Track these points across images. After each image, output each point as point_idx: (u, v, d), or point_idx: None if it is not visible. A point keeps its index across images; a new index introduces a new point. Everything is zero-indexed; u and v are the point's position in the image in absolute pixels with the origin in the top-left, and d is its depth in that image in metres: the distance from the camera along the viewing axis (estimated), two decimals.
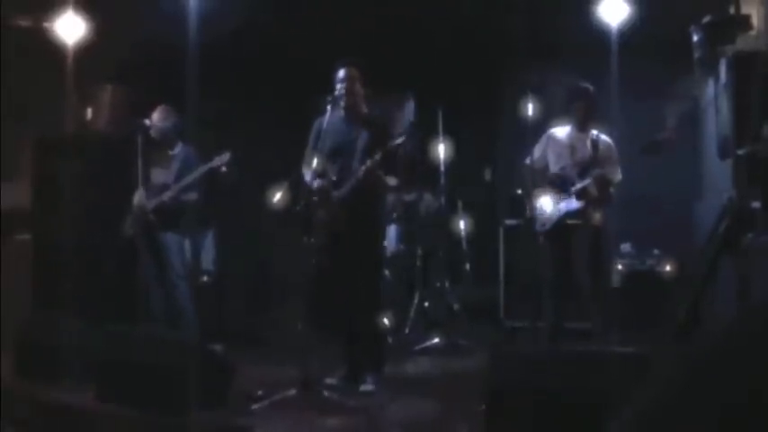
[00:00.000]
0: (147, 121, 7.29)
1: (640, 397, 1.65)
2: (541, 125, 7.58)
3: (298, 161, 6.21)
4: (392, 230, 8.49)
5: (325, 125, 5.95)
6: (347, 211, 5.90)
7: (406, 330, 8.23)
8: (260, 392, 5.48)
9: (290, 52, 8.71)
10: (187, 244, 7.73)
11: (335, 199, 5.94)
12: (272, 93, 8.91)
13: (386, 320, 6.44)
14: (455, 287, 8.56)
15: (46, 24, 7.97)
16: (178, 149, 7.41)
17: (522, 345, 7.86)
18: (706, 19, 6.83)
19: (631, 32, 7.46)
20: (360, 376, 6.01)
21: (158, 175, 7.35)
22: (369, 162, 5.81)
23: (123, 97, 8.95)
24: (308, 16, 8.35)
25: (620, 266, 7.95)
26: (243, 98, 9.07)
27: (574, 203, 6.66)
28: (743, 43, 6.71)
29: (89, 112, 9.08)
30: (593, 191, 6.60)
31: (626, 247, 8.21)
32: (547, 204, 6.77)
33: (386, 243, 7.81)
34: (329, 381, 5.98)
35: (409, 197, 8.66)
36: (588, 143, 6.72)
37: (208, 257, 8.99)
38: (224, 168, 7.08)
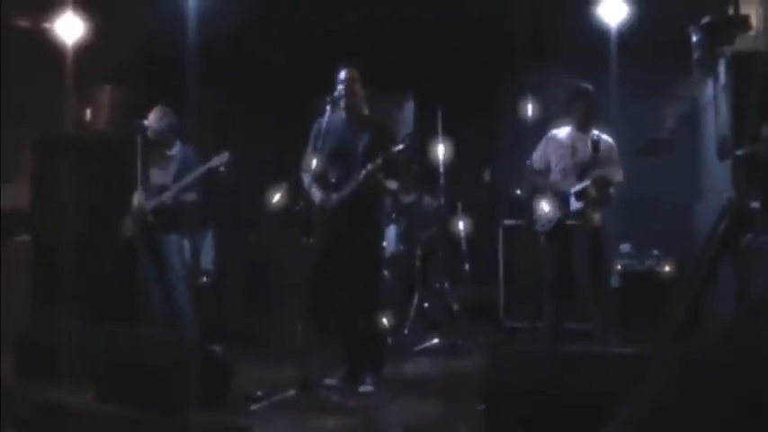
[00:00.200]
0: (146, 122, 7.29)
1: (638, 397, 1.66)
2: (541, 126, 7.59)
3: (297, 161, 6.20)
4: (391, 231, 8.49)
5: (325, 126, 5.95)
6: (347, 213, 5.91)
7: (406, 331, 8.23)
8: (259, 393, 5.48)
9: (290, 53, 8.71)
10: (186, 244, 7.73)
11: (336, 202, 5.94)
12: (271, 93, 8.91)
13: (385, 321, 6.43)
14: (454, 288, 8.56)
15: (45, 25, 7.97)
16: (176, 150, 7.41)
17: (522, 345, 7.86)
18: (705, 19, 6.83)
19: (630, 33, 7.47)
20: (359, 377, 6.01)
21: (157, 176, 7.35)
22: (370, 166, 5.80)
23: (122, 98, 8.95)
24: (307, 17, 8.34)
25: (619, 267, 7.95)
26: (242, 98, 9.08)
27: (574, 204, 6.66)
28: (742, 44, 6.71)
29: (88, 113, 9.09)
30: (593, 192, 6.59)
31: (625, 247, 8.21)
32: (547, 205, 6.78)
33: (385, 244, 7.80)
34: (328, 381, 5.99)
35: (408, 198, 8.66)
36: (589, 144, 6.72)
37: (207, 258, 9.00)
38: (223, 168, 7.07)
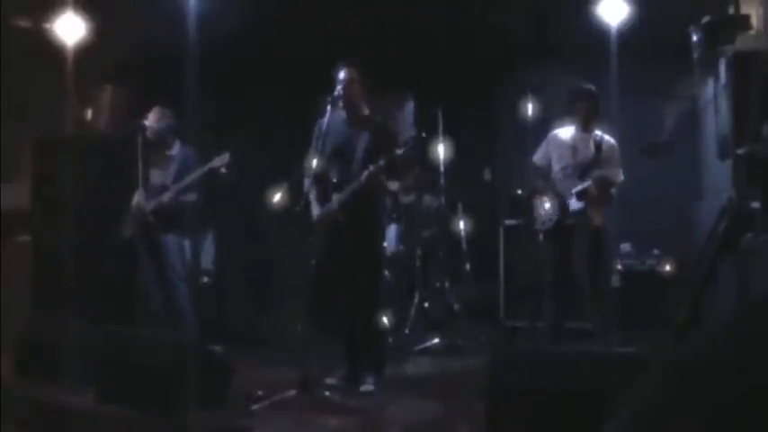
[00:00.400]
0: (146, 122, 7.29)
1: (637, 397, 1.65)
2: (541, 125, 7.59)
3: (297, 162, 6.21)
4: (392, 231, 8.49)
5: (325, 126, 5.95)
6: (347, 213, 5.91)
7: (406, 330, 8.23)
8: (260, 393, 5.48)
9: (290, 53, 8.71)
10: (187, 245, 7.72)
11: (336, 202, 5.94)
12: (271, 93, 8.91)
13: (386, 321, 6.44)
14: (455, 287, 8.56)
15: (46, 25, 7.97)
16: (176, 150, 7.41)
17: (523, 345, 7.86)
18: (705, 19, 6.82)
19: (631, 33, 7.47)
20: (360, 377, 6.01)
21: (157, 176, 7.35)
22: (372, 167, 5.80)
23: (123, 98, 8.96)
24: (307, 17, 8.34)
25: (619, 266, 7.95)
26: (242, 99, 9.07)
27: (574, 204, 6.66)
28: (742, 43, 6.71)
29: (89, 113, 9.09)
30: (594, 192, 6.60)
31: (626, 247, 8.22)
32: (548, 204, 6.78)
33: (386, 243, 7.81)
34: (329, 381, 5.99)
35: (409, 198, 8.66)
36: (591, 144, 6.72)
37: (207, 258, 9.00)
38: (223, 169, 7.08)
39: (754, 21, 6.73)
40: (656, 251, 8.07)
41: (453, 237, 8.83)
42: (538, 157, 6.97)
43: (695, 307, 6.12)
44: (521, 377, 4.38)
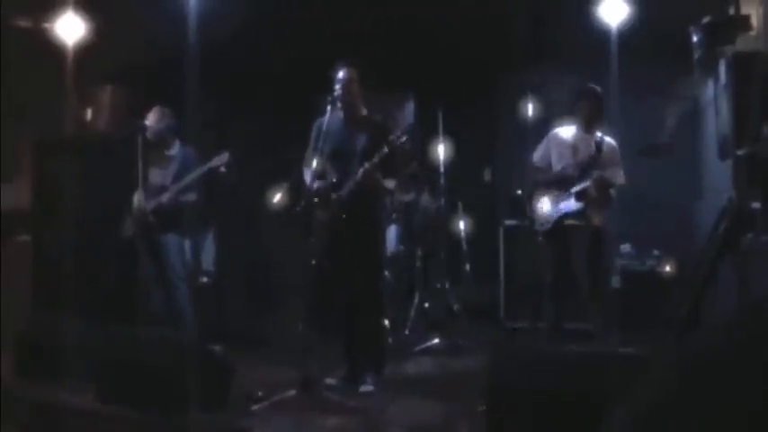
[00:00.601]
0: (146, 122, 7.29)
1: (637, 397, 1.65)
2: (542, 125, 7.59)
3: (297, 162, 6.21)
4: (392, 231, 8.48)
5: (324, 126, 5.95)
6: (347, 213, 5.91)
7: (406, 331, 8.23)
8: (260, 393, 5.48)
9: (290, 53, 8.71)
10: (187, 245, 7.72)
11: (335, 201, 5.94)
12: (271, 93, 8.91)
13: (386, 321, 6.44)
14: (455, 288, 8.55)
15: (46, 25, 7.97)
16: (176, 150, 7.41)
17: (523, 345, 7.86)
18: (705, 19, 6.82)
19: (631, 33, 7.46)
20: (360, 377, 6.01)
21: (156, 176, 7.35)
22: (366, 165, 5.81)
23: (123, 98, 8.96)
24: (307, 17, 8.34)
25: (619, 267, 7.95)
26: (242, 99, 9.07)
27: (573, 204, 6.65)
28: (743, 44, 6.71)
29: (89, 113, 9.09)
30: (593, 192, 6.59)
31: (626, 247, 8.22)
32: (547, 203, 6.78)
33: (386, 244, 7.81)
34: (329, 381, 5.99)
35: (408, 197, 8.65)
36: (592, 144, 6.71)
37: (208, 258, 8.99)
38: (223, 169, 7.08)
39: (755, 21, 6.73)
40: (656, 252, 8.07)
41: (453, 237, 8.83)
42: (537, 157, 6.96)
43: (696, 307, 6.12)
44: (521, 377, 4.38)
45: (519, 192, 8.29)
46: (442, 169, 8.19)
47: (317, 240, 5.84)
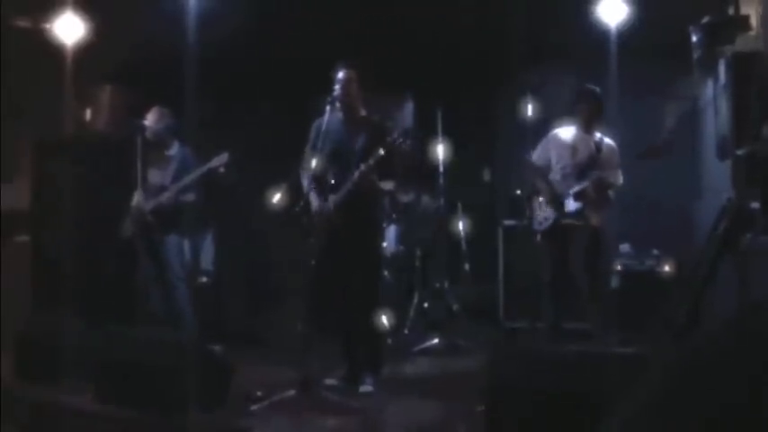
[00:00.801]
0: (145, 122, 7.28)
1: (636, 396, 1.65)
2: (541, 125, 7.59)
3: (297, 162, 6.21)
4: (391, 231, 8.48)
5: (323, 126, 5.96)
6: (344, 214, 5.91)
7: (406, 331, 8.23)
8: (259, 393, 5.48)
9: (289, 53, 8.70)
10: (186, 245, 7.72)
11: (332, 203, 5.95)
12: (270, 93, 8.91)
13: (385, 321, 6.43)
14: (454, 288, 8.55)
15: (45, 25, 7.97)
16: (175, 150, 7.40)
17: (522, 345, 7.86)
18: (705, 19, 6.83)
19: (630, 33, 7.46)
20: (359, 377, 6.01)
21: (155, 176, 7.34)
22: (363, 166, 5.82)
23: (122, 98, 8.95)
24: (306, 17, 8.34)
25: (619, 267, 7.94)
26: (242, 99, 9.07)
27: (572, 204, 6.66)
28: (742, 44, 6.71)
29: (88, 113, 9.08)
30: (592, 193, 6.60)
31: (625, 247, 8.21)
32: (546, 204, 6.78)
33: (385, 244, 7.81)
34: (328, 381, 5.99)
35: (407, 198, 8.65)
36: (591, 145, 6.72)
37: (207, 258, 8.99)
38: (222, 169, 7.07)
39: (754, 21, 6.73)
40: (655, 251, 8.07)
41: (452, 237, 8.82)
42: (536, 156, 6.96)
43: (695, 307, 6.12)
44: (520, 378, 4.38)
45: (518, 192, 8.29)
46: (441, 169, 8.18)
47: (315, 241, 5.84)
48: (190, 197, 7.28)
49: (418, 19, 8.34)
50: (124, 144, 7.45)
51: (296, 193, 6.03)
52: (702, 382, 1.54)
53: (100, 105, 9.11)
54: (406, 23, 8.40)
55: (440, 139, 8.16)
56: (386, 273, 7.84)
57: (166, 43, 7.39)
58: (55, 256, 8.11)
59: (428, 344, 7.75)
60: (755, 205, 6.03)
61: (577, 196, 6.63)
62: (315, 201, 6.01)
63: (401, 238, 8.67)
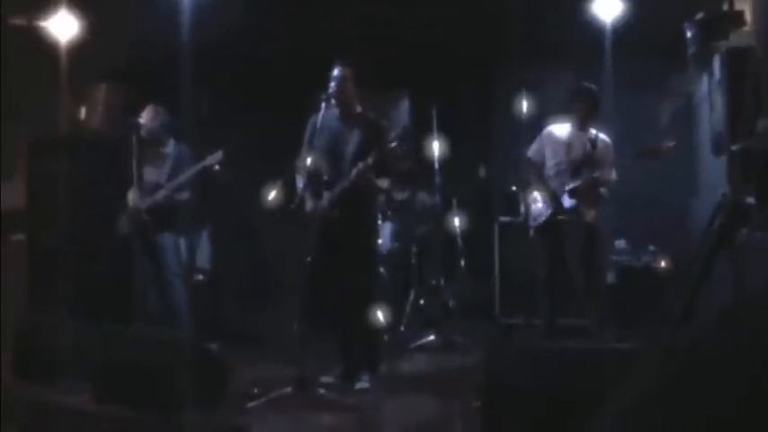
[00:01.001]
0: (140, 120, 7.28)
1: (631, 390, 1.66)
2: (536, 122, 7.59)
3: (292, 160, 6.21)
4: (387, 228, 8.48)
5: (319, 124, 5.96)
6: (339, 211, 5.91)
7: (402, 328, 8.23)
8: (256, 391, 5.49)
9: (285, 51, 8.71)
10: (182, 243, 7.72)
11: (327, 200, 5.95)
12: (266, 91, 8.90)
13: (381, 318, 6.44)
14: (450, 284, 8.55)
15: (39, 23, 7.95)
16: (170, 148, 7.39)
17: (518, 341, 7.87)
18: (699, 15, 6.83)
19: (625, 30, 7.47)
20: (355, 374, 6.02)
21: (151, 174, 7.34)
22: (360, 165, 5.82)
23: (117, 96, 8.94)
24: (302, 15, 8.33)
25: (615, 263, 7.95)
26: (237, 96, 9.06)
27: (567, 201, 6.66)
28: (736, 39, 6.72)
29: (83, 111, 9.07)
30: (585, 190, 6.60)
31: (621, 243, 8.21)
32: (540, 200, 6.79)
33: (381, 241, 7.81)
34: (325, 379, 6.00)
35: (403, 195, 8.64)
36: (586, 142, 6.72)
37: (203, 256, 8.98)
38: (217, 167, 7.07)
39: (748, 17, 6.74)
40: (651, 248, 8.07)
41: (448, 234, 8.82)
42: (532, 152, 6.97)
43: (691, 303, 6.13)
44: (516, 374, 4.38)
45: (514, 189, 8.29)
46: (436, 166, 8.18)
47: (311, 238, 5.84)
48: (185, 195, 7.27)
49: (414, 17, 8.35)
50: (119, 142, 7.44)
51: (291, 191, 6.03)
52: (698, 375, 1.55)
53: (95, 103, 9.10)
54: (402, 21, 8.41)
55: (435, 136, 8.16)
56: (382, 270, 7.84)
57: (161, 41, 7.38)
58: (51, 254, 8.10)
59: (424, 341, 7.76)
60: (751, 201, 6.04)
61: (572, 193, 6.63)
62: (310, 198, 6.01)
63: (397, 235, 8.67)
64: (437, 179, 8.20)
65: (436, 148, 8.16)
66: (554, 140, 6.86)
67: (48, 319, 6.57)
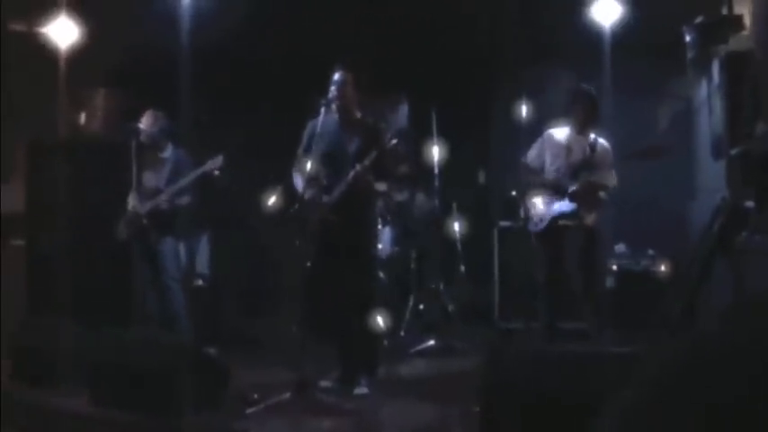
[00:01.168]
0: (140, 125, 7.28)
1: (631, 394, 1.65)
2: (536, 126, 7.58)
3: (292, 165, 6.21)
4: (386, 232, 8.48)
5: (318, 128, 5.96)
6: (338, 215, 5.91)
7: (401, 332, 8.21)
8: (255, 395, 5.48)
9: (284, 55, 8.71)
10: (181, 247, 7.71)
11: (326, 204, 5.95)
12: (265, 94, 8.90)
13: (380, 322, 6.43)
14: (450, 289, 8.55)
15: (39, 28, 7.96)
16: (169, 153, 7.39)
17: (517, 346, 7.86)
18: (699, 19, 6.84)
19: (624, 33, 7.47)
20: (354, 379, 6.00)
21: (150, 179, 7.33)
22: (358, 167, 5.82)
23: (117, 101, 8.95)
24: (301, 17, 8.34)
25: (614, 267, 7.95)
26: (236, 101, 9.06)
27: (566, 205, 6.65)
28: (735, 43, 6.73)
29: (83, 116, 9.08)
30: (584, 195, 6.59)
31: (620, 247, 8.22)
32: (540, 204, 6.78)
33: (380, 245, 7.81)
34: (324, 383, 5.98)
35: (401, 196, 8.63)
36: (585, 146, 6.71)
37: (202, 261, 8.98)
38: (217, 172, 7.06)
39: (747, 21, 6.74)
40: (650, 251, 8.07)
41: (448, 238, 8.82)
42: (531, 156, 6.95)
43: (690, 306, 6.13)
44: (515, 378, 4.38)
45: (513, 193, 8.29)
46: (436, 170, 8.18)
47: (310, 242, 5.83)
48: (185, 200, 7.27)
49: (413, 20, 8.36)
50: (119, 147, 7.45)
51: (290, 195, 6.02)
52: (699, 376, 1.54)
53: (94, 108, 9.10)
54: (402, 24, 8.41)
55: (435, 140, 8.16)
56: (381, 274, 7.83)
57: (160, 46, 7.40)
58: (50, 258, 8.09)
59: (424, 345, 7.75)
60: (750, 204, 6.04)
61: (572, 197, 6.63)
62: (309, 202, 6.01)
63: (396, 240, 8.66)
64: (436, 183, 8.20)
65: (436, 151, 8.16)
66: (553, 144, 6.85)
67: (47, 322, 6.57)
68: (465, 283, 8.79)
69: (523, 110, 8.62)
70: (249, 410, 5.33)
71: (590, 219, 6.65)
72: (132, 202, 7.26)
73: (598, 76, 7.27)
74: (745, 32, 6.74)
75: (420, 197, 8.78)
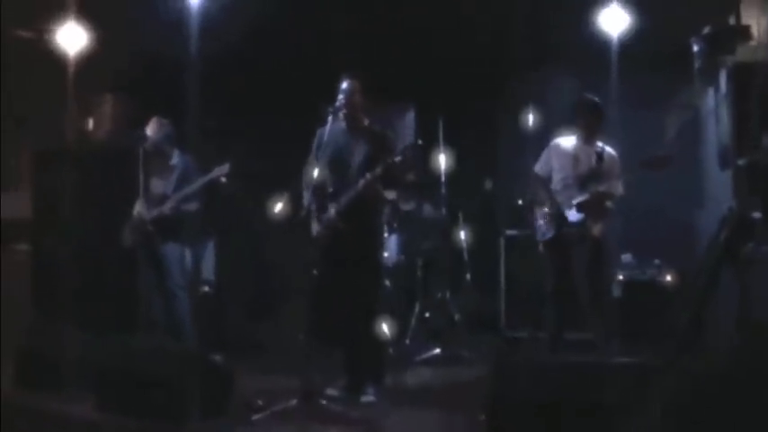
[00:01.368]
0: (147, 132, 7.29)
1: (648, 411, 1.66)
2: (542, 134, 7.58)
3: (298, 171, 6.21)
4: (393, 241, 8.47)
5: (326, 136, 5.96)
6: (345, 223, 5.91)
7: (407, 341, 8.20)
8: (260, 402, 5.47)
9: (291, 62, 8.72)
10: (187, 254, 7.72)
11: (335, 211, 5.95)
12: (272, 103, 8.91)
13: (386, 331, 6.42)
14: (456, 297, 8.53)
15: (47, 35, 7.98)
16: (176, 159, 7.40)
17: (524, 355, 7.84)
18: (706, 29, 6.84)
19: (632, 43, 7.46)
20: (360, 387, 6.00)
21: (157, 186, 7.34)
22: (368, 176, 5.82)
23: (124, 107, 8.97)
24: (309, 26, 8.35)
25: (621, 277, 7.93)
26: (243, 108, 9.07)
27: (574, 215, 6.65)
28: (743, 54, 6.72)
29: (90, 123, 9.10)
30: (592, 205, 6.59)
31: (627, 257, 8.20)
32: (548, 214, 6.77)
33: (387, 253, 7.80)
34: (330, 391, 5.97)
35: (408, 205, 8.63)
36: (592, 155, 6.70)
37: (208, 267, 8.98)
38: (224, 179, 7.07)
39: (755, 31, 6.74)
40: (657, 261, 8.06)
41: (454, 247, 8.81)
42: (539, 167, 6.95)
43: (697, 317, 6.11)
44: (521, 387, 4.37)
45: (520, 202, 8.28)
46: (442, 179, 8.18)
47: (317, 250, 5.84)
48: (192, 207, 7.28)
49: (421, 29, 8.36)
50: (125, 153, 7.46)
51: (297, 203, 6.02)
52: (715, 400, 1.55)
53: (101, 115, 9.13)
54: (409, 33, 8.42)
55: (441, 148, 8.16)
56: (387, 282, 7.83)
57: (168, 52, 7.41)
58: (56, 264, 8.11)
59: (430, 354, 7.74)
60: (757, 215, 6.03)
61: (579, 207, 6.62)
62: (316, 210, 6.01)
63: (403, 248, 8.65)
64: (443, 191, 8.20)
65: (442, 160, 8.16)
66: (560, 153, 6.84)
67: (52, 328, 6.58)
68: (471, 292, 8.77)
69: (530, 118, 8.62)
70: (255, 417, 5.33)
71: (597, 229, 6.64)
72: (138, 208, 7.27)
73: (605, 86, 7.26)
74: (753, 43, 6.73)
75: (427, 207, 8.78)
